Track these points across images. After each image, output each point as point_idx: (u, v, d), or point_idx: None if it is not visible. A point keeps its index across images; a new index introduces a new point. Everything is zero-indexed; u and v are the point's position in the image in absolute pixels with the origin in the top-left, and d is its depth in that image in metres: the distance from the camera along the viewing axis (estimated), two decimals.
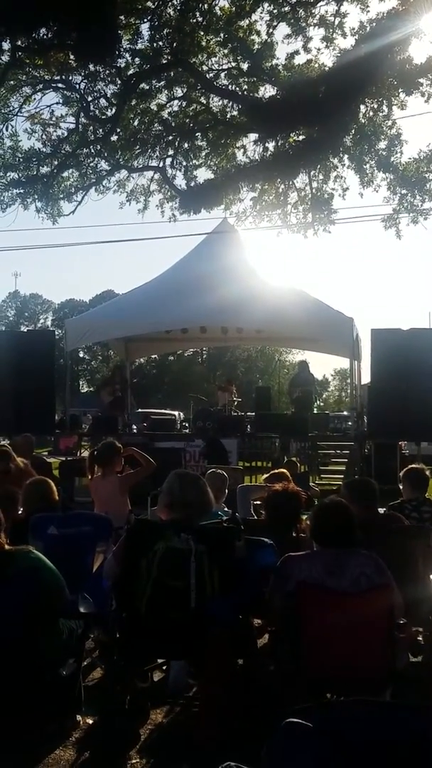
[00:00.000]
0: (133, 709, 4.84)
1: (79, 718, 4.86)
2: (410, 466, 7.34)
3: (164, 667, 5.40)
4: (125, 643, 4.70)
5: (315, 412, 20.99)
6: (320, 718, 2.13)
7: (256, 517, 6.68)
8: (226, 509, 6.79)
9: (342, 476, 16.26)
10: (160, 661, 5.23)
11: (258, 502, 7.03)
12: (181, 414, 29.70)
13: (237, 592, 4.44)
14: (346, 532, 4.43)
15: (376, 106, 16.32)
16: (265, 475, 7.61)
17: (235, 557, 4.51)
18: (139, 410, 27.21)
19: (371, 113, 16.46)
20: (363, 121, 16.35)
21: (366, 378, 18.00)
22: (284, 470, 7.59)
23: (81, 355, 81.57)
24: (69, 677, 4.71)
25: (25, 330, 55.50)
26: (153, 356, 66.45)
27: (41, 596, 4.50)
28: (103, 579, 5.67)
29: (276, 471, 7.59)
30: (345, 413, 28.14)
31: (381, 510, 6.35)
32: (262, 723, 4.52)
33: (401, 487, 7.18)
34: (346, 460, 17.30)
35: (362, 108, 15.99)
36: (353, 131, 16.30)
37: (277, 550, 4.92)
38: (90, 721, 4.87)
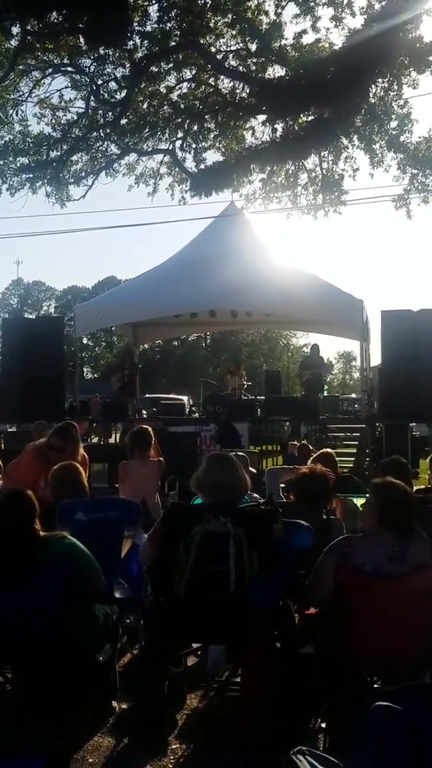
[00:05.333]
0: (170, 695, 4.81)
1: (114, 704, 4.83)
2: None
3: (198, 652, 5.36)
4: (162, 627, 4.66)
5: (325, 394, 20.90)
6: (409, 701, 2.09)
7: (284, 500, 6.63)
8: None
9: (353, 459, 16.19)
10: (195, 646, 5.20)
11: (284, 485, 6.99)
12: (190, 399, 29.62)
13: (276, 575, 4.39)
14: (410, 518, 4.32)
15: (386, 86, 16.17)
16: (313, 456, 7.49)
17: (273, 540, 4.45)
18: (148, 395, 27.18)
19: (382, 93, 16.31)
20: (373, 100, 16.19)
21: (375, 360, 17.96)
22: (329, 451, 7.60)
23: (85, 341, 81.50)
24: (105, 663, 4.67)
25: (33, 317, 55.43)
26: (158, 341, 66.30)
27: (77, 582, 4.46)
28: (132, 564, 5.64)
29: (322, 451, 7.57)
30: (354, 396, 28.09)
31: None
32: (302, 706, 4.52)
33: (428, 474, 7.10)
34: (356, 442, 17.21)
35: (373, 88, 15.84)
36: (363, 111, 16.13)
37: (314, 533, 4.86)
38: (124, 707, 4.83)
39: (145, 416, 18.71)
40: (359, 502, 6.18)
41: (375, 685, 4.29)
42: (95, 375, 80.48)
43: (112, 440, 17.59)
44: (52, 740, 4.26)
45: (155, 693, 4.72)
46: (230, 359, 40.40)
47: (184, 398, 29.78)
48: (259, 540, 4.40)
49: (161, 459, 8.16)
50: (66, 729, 4.46)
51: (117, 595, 4.94)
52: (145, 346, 58.78)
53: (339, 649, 4.21)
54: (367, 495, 4.85)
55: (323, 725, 4.39)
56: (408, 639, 4.13)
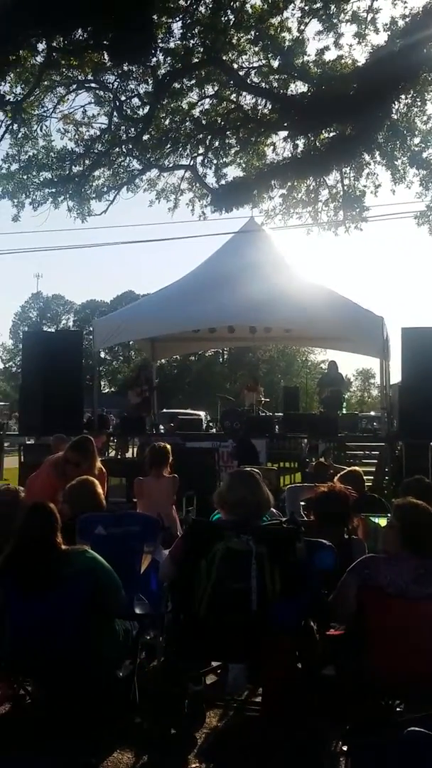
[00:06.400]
0: (189, 713, 4.76)
1: (135, 719, 4.79)
2: None
3: (218, 671, 5.31)
4: (182, 645, 4.61)
5: (344, 412, 20.79)
6: None
7: (305, 518, 6.57)
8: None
9: (372, 477, 16.08)
10: (215, 664, 5.15)
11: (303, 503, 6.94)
12: (207, 414, 29.58)
13: (299, 594, 4.34)
14: None
15: (409, 102, 16.16)
16: (339, 474, 7.42)
17: (296, 559, 4.41)
18: (165, 410, 27.16)
19: (405, 109, 16.29)
20: (396, 117, 16.16)
21: (395, 378, 17.86)
22: (357, 469, 7.53)
23: (102, 355, 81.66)
24: (125, 678, 4.65)
25: (52, 330, 55.62)
26: (175, 357, 66.36)
27: (98, 596, 4.45)
28: (151, 580, 5.60)
29: (350, 469, 7.51)
30: (373, 414, 27.95)
31: None
32: (322, 727, 4.47)
33: None
34: (375, 461, 17.09)
35: (395, 104, 15.80)
36: (386, 127, 16.10)
37: (337, 553, 4.81)
38: (144, 724, 4.79)
39: (162, 431, 18.67)
40: (381, 522, 6.13)
41: (398, 708, 4.24)
42: (112, 389, 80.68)
43: (129, 454, 17.55)
44: (75, 756, 4.24)
45: (175, 710, 4.68)
46: (247, 375, 40.29)
47: (201, 413, 29.74)
48: (281, 559, 4.37)
49: (176, 476, 8.16)
50: (86, 744, 4.42)
51: (137, 610, 4.89)
52: (163, 361, 59.01)
53: (361, 671, 4.16)
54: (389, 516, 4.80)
55: (344, 748, 4.34)
56: (423, 658, 4.07)
